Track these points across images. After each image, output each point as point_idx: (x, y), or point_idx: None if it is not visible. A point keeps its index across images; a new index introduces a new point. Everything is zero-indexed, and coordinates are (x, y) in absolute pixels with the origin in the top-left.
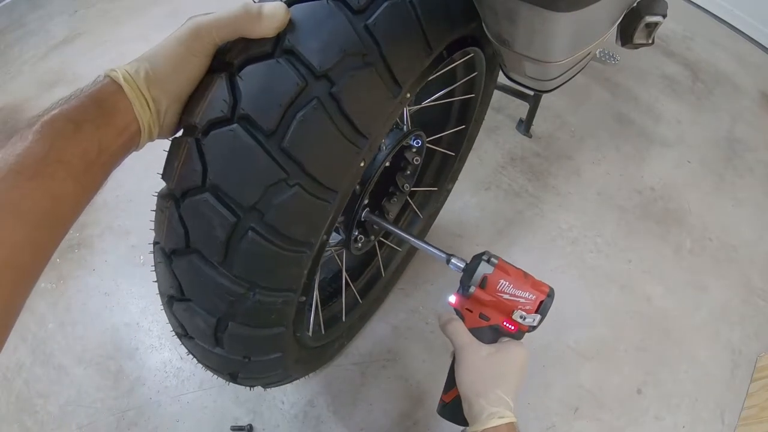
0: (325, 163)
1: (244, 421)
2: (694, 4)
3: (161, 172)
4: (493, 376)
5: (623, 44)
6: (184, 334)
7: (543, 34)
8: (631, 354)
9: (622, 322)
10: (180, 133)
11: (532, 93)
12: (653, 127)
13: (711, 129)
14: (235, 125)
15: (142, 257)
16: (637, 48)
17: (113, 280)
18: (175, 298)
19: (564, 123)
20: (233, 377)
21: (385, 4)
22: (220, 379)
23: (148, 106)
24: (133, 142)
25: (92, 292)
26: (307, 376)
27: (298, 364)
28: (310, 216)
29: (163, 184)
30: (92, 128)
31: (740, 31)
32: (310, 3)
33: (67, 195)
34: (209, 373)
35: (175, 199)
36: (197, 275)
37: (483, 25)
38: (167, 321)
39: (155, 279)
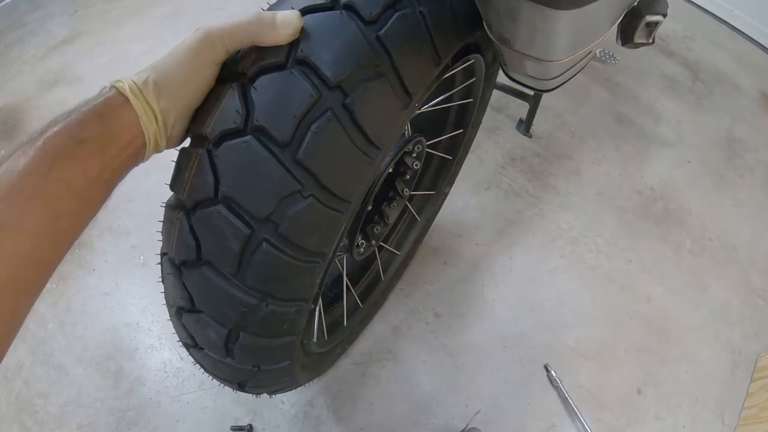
0: (338, 174)
1: (244, 421)
2: (694, 4)
3: (165, 178)
4: None
5: (623, 44)
6: (193, 345)
7: (544, 33)
8: (631, 354)
9: (622, 322)
10: (187, 143)
11: (532, 93)
12: (653, 127)
13: (711, 129)
14: (248, 137)
15: (142, 257)
16: (637, 47)
17: (113, 280)
18: (184, 310)
19: (564, 123)
20: (241, 386)
21: (396, 14)
22: None
23: (155, 118)
24: (138, 156)
25: (92, 292)
26: None
27: (304, 370)
28: (324, 227)
29: (163, 187)
30: (95, 145)
31: (740, 31)
32: (322, 13)
33: (69, 213)
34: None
35: (185, 211)
36: (209, 287)
37: (484, 24)
38: (167, 321)
39: (162, 290)
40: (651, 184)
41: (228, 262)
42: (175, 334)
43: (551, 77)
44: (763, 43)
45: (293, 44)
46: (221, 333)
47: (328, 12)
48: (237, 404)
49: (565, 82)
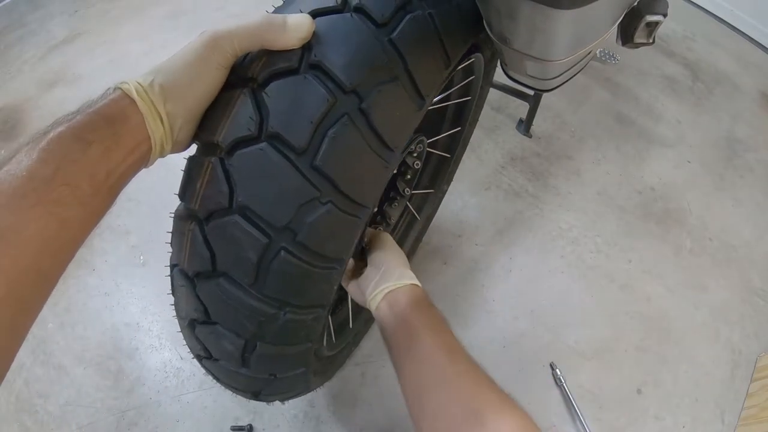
0: (356, 179)
1: (244, 421)
2: (694, 4)
3: (166, 176)
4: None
5: (624, 43)
6: (207, 356)
7: (544, 32)
8: (631, 354)
9: (622, 322)
10: (195, 150)
11: (532, 93)
12: (653, 127)
13: (711, 129)
14: (264, 144)
15: (142, 257)
16: (637, 47)
17: (113, 280)
18: (198, 322)
19: (564, 123)
20: (256, 395)
21: (408, 17)
22: None
23: (162, 121)
24: (143, 161)
25: (92, 292)
26: None
27: (316, 375)
28: (342, 233)
29: (164, 187)
30: (101, 149)
31: (740, 31)
32: (333, 16)
33: (74, 220)
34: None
35: (198, 221)
36: (225, 298)
37: (485, 23)
38: (167, 321)
39: (163, 291)
40: (651, 184)
41: (245, 273)
42: (176, 334)
43: (551, 77)
44: (763, 43)
45: (305, 48)
46: (238, 344)
47: (338, 15)
48: (237, 404)
49: (566, 82)
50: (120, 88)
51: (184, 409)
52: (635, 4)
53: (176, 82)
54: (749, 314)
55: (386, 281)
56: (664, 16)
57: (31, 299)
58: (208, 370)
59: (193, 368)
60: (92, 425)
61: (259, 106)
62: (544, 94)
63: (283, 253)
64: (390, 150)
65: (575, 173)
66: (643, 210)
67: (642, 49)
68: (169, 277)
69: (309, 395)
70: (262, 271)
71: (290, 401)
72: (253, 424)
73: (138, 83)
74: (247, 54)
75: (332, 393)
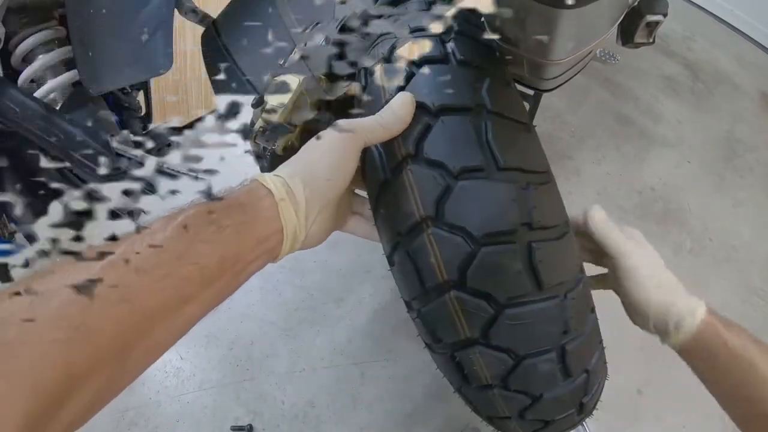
0: (523, 151)
1: (244, 421)
2: (694, 4)
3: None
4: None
5: (624, 43)
6: (530, 403)
7: (545, 32)
8: (631, 354)
9: (622, 323)
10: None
11: (532, 93)
12: (653, 127)
13: (711, 129)
14: (461, 182)
15: None
16: (637, 47)
17: None
18: (503, 375)
19: (564, 123)
20: (581, 408)
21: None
22: (220, 378)
23: (297, 212)
24: (273, 253)
25: None
26: (306, 376)
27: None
28: (555, 200)
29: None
30: (233, 234)
31: (740, 31)
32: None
33: (195, 299)
34: (209, 373)
35: (455, 286)
36: (524, 320)
37: (484, 23)
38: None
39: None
40: (651, 184)
41: (523, 285)
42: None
43: (551, 77)
44: (763, 43)
45: (418, 108)
46: (552, 358)
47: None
48: (237, 404)
49: (566, 82)
50: (257, 180)
51: (184, 409)
52: (635, 4)
53: (314, 172)
54: (749, 314)
55: (680, 328)
56: (665, 15)
57: (137, 366)
58: (532, 420)
59: (193, 368)
60: (92, 425)
61: (433, 164)
62: (544, 94)
63: (534, 244)
64: (525, 125)
65: (575, 173)
66: (643, 210)
67: (642, 49)
68: (458, 379)
69: (309, 395)
70: (531, 272)
71: (290, 402)
72: (253, 424)
73: (274, 175)
74: (377, 153)
75: (332, 393)
